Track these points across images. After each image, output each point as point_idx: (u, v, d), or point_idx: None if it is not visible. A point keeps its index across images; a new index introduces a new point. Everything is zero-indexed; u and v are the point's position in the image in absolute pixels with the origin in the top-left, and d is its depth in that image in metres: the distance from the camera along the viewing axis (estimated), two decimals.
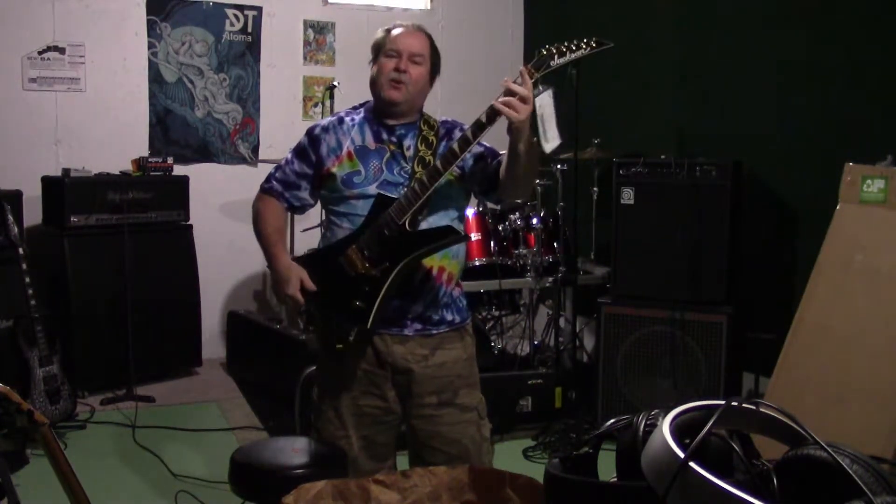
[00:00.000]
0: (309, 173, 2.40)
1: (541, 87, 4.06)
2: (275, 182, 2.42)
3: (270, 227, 2.41)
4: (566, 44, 2.11)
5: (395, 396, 2.38)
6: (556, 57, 2.11)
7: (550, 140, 4.22)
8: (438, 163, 2.19)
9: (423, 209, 2.24)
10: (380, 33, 2.38)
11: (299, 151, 2.42)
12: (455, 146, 2.16)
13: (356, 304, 2.22)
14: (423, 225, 2.26)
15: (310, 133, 2.41)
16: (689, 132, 4.61)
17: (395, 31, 2.34)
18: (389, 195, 2.24)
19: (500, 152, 2.35)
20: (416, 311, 2.33)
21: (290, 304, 2.34)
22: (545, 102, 4.15)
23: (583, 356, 4.82)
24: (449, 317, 2.38)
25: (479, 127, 2.13)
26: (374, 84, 2.34)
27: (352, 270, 2.24)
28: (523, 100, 2.05)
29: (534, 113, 2.26)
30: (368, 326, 2.22)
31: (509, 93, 2.06)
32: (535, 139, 2.33)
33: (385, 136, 2.35)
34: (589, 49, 2.10)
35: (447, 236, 2.27)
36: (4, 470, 1.74)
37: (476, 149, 2.30)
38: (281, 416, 4.04)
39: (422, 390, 2.36)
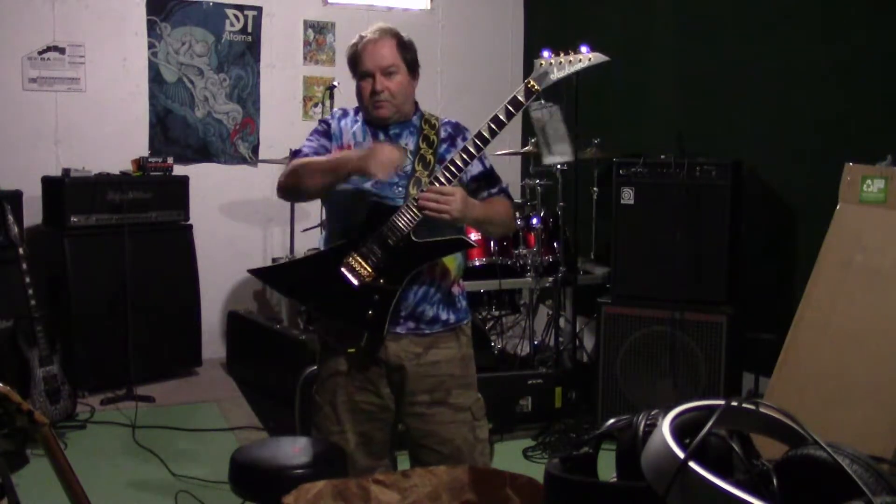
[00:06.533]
0: (331, 146, 2.40)
1: (542, 102, 4.07)
2: (305, 150, 2.40)
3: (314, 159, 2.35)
4: (564, 56, 2.14)
5: (389, 394, 2.40)
6: (555, 70, 2.17)
7: (556, 154, 4.19)
8: (442, 174, 2.21)
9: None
10: (349, 49, 2.39)
11: (320, 132, 2.43)
12: (458, 159, 2.21)
13: (368, 313, 2.25)
14: (425, 232, 2.27)
15: (323, 121, 2.47)
16: (689, 132, 4.61)
17: (361, 46, 2.34)
18: (386, 203, 2.25)
19: (496, 183, 2.45)
20: (409, 309, 2.33)
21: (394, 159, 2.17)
22: (546, 118, 4.12)
23: (583, 356, 4.82)
24: (444, 316, 2.39)
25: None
26: (360, 101, 2.39)
27: (356, 279, 2.25)
28: (446, 197, 2.16)
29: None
30: (384, 335, 2.29)
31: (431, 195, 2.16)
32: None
33: (381, 136, 2.39)
34: (587, 62, 2.19)
35: (457, 246, 2.34)
36: (4, 470, 1.74)
37: (476, 168, 2.40)
38: (281, 416, 4.04)
39: (414, 388, 2.37)
